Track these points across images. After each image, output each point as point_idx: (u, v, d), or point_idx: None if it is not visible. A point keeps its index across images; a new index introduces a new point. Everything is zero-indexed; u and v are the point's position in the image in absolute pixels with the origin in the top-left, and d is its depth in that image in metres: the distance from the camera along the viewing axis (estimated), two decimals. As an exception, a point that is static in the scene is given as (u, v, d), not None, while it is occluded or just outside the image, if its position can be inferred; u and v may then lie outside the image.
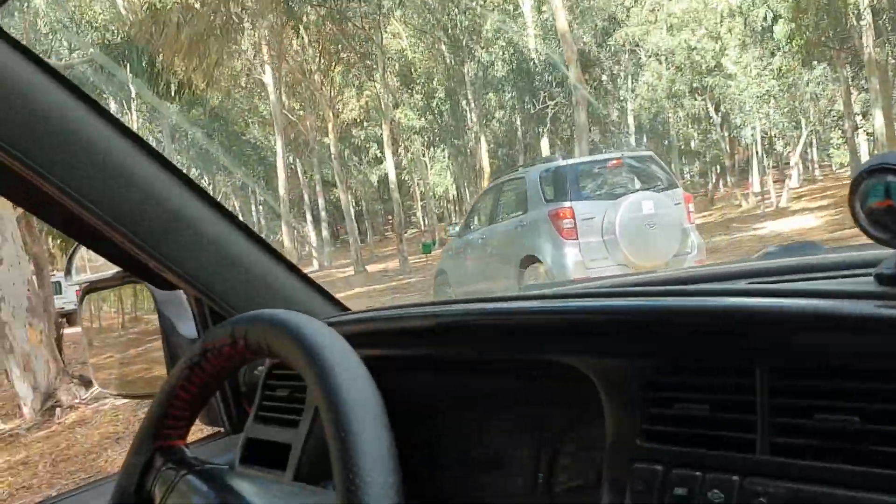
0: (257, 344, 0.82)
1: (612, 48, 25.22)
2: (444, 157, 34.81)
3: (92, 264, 1.69)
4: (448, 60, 26.99)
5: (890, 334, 0.63)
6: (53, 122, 1.00)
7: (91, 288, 1.55)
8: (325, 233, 35.55)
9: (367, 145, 36.22)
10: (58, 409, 7.03)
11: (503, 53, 23.27)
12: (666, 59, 23.95)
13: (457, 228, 10.32)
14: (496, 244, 8.96)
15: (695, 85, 24.37)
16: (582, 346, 0.88)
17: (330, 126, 26.72)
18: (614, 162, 8.34)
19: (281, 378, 1.23)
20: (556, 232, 7.74)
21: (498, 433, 1.07)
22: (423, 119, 30.74)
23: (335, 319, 1.22)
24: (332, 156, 27.33)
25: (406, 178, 43.02)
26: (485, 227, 9.37)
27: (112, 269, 1.34)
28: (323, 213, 34.58)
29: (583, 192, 7.97)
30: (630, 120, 28.36)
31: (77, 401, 7.19)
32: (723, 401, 0.73)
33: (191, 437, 0.99)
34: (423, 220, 45.11)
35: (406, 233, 51.69)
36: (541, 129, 23.02)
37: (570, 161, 8.46)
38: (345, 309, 1.39)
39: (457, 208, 41.35)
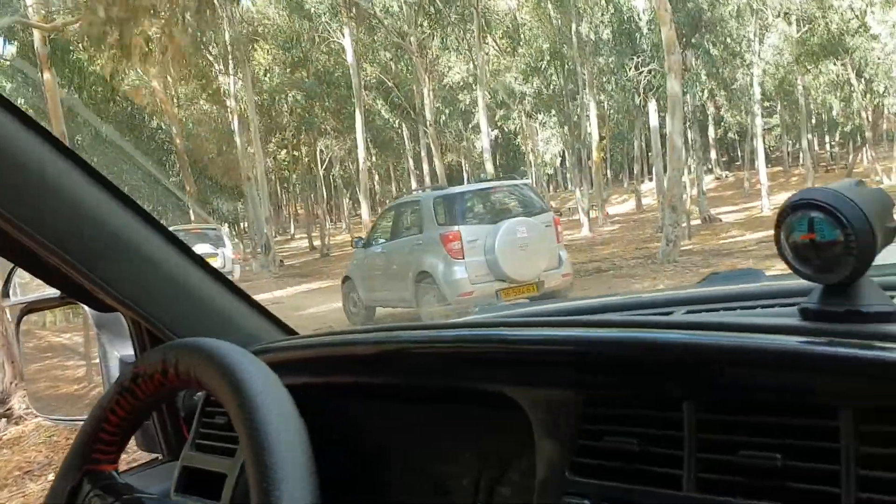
0: (187, 373, 0.81)
1: (736, 7, 22.66)
2: (553, 124, 33.09)
3: (34, 283, 1.57)
4: (555, 21, 25.20)
5: (810, 370, 0.65)
6: None
7: (28, 309, 1.54)
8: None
9: (474, 110, 34.86)
10: (3, 421, 6.33)
11: (602, 14, 21.37)
12: (797, 19, 21.25)
13: (361, 243, 11.21)
14: (395, 259, 9.94)
15: (831, 48, 21.58)
16: (514, 376, 0.89)
17: (425, 91, 25.64)
18: (495, 189, 9.75)
19: (219, 405, 1.12)
20: (446, 252, 8.77)
21: (438, 461, 1.07)
22: (529, 83, 29.09)
23: (268, 346, 1.22)
24: (429, 122, 26.27)
25: (520, 144, 41.81)
26: (387, 242, 10.35)
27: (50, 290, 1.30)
28: (427, 181, 33.77)
29: (468, 217, 9.09)
30: (755, 87, 25.72)
31: (31, 410, 6.46)
32: (651, 435, 0.74)
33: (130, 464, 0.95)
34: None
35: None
36: (645, 97, 20.98)
37: (459, 189, 9.87)
38: (291, 333, 1.38)
39: (565, 177, 39.56)
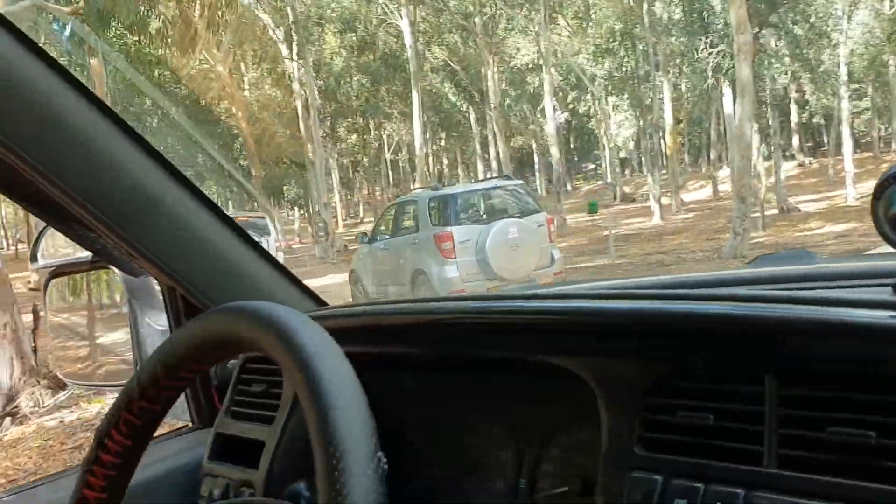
0: (249, 339, 0.79)
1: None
2: (626, 107, 32.04)
3: (62, 249, 1.55)
4: (625, 1, 24.20)
5: None
6: (25, 95, 0.94)
7: (57, 272, 1.51)
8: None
9: (542, 92, 34.10)
10: (7, 420, 6.12)
11: (673, -9, 20.34)
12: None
13: (366, 239, 11.57)
14: (395, 255, 10.27)
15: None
16: (581, 348, 0.87)
17: (489, 73, 25.04)
18: (490, 191, 10.06)
19: (256, 373, 1.19)
20: (439, 252, 9.07)
21: (480, 435, 1.04)
22: (600, 65, 28.13)
23: (316, 314, 1.19)
24: (493, 105, 25.67)
25: (593, 127, 40.83)
26: (388, 239, 10.65)
27: (81, 253, 1.29)
28: (494, 165, 33.21)
29: (462, 218, 9.32)
30: (842, 68, 24.17)
31: (38, 408, 6.23)
32: (729, 410, 0.72)
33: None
34: (608, 173, 42.50)
35: (586, 186, 49.69)
36: (716, 79, 19.83)
37: (453, 190, 10.11)
38: (322, 304, 1.37)
39: (640, 161, 38.35)
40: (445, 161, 48.41)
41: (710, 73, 18.36)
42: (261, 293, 1.25)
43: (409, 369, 1.12)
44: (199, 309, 1.20)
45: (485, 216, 9.59)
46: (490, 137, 32.28)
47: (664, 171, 29.80)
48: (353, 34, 29.42)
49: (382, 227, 11.18)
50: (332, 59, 29.97)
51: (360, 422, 0.62)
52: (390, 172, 42.30)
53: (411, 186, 49.91)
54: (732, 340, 0.74)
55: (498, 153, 28.79)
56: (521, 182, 10.76)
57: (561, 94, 36.30)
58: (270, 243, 18.03)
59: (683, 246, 17.62)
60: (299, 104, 23.46)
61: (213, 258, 1.21)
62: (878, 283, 0.88)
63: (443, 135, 40.74)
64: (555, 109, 37.70)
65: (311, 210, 38.47)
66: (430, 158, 46.35)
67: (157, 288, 1.30)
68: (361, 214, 52.34)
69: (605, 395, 0.81)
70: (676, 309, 0.80)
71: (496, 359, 0.98)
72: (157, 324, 1.32)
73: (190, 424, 1.35)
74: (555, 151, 22.79)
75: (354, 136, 37.00)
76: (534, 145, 38.49)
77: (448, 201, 9.48)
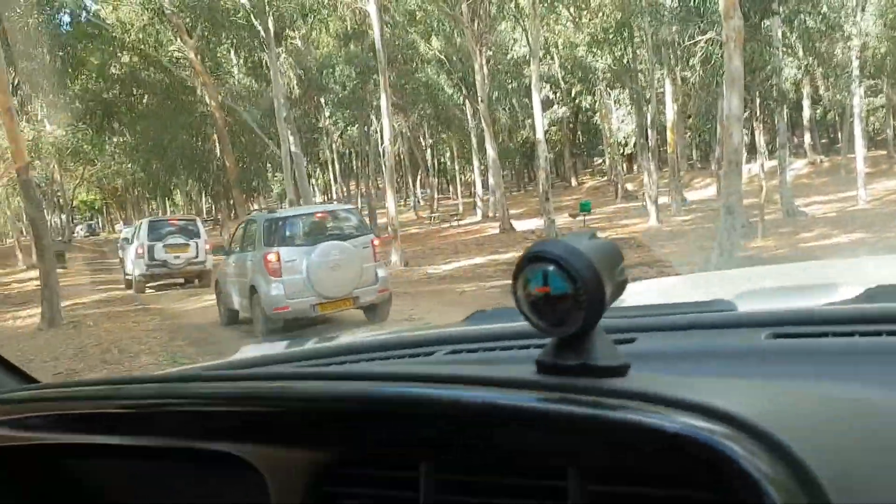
0: None
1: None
2: (627, 101, 30.44)
3: None
4: (622, -13, 22.59)
5: (541, 429, 0.66)
6: None
7: None
8: (491, 181, 32.64)
9: (540, 85, 32.52)
10: None
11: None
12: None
13: (223, 252, 12.30)
14: (239, 271, 10.79)
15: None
16: (245, 435, 0.85)
17: (476, 66, 23.54)
18: (321, 214, 10.98)
19: None
20: (267, 271, 9.56)
21: None
22: (598, 57, 26.54)
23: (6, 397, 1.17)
24: (479, 98, 24.18)
25: (598, 122, 39.28)
26: (237, 254, 11.13)
27: None
28: (490, 161, 31.72)
29: (289, 239, 9.95)
30: (854, 61, 22.53)
31: None
32: (386, 497, 0.74)
33: None
34: (611, 171, 40.92)
35: (590, 182, 48.11)
36: (705, 71, 18.19)
37: (285, 213, 11.11)
38: (29, 381, 1.30)
39: (636, 159, 36.75)
40: (449, 154, 47.04)
41: (697, 65, 16.77)
42: None
43: (111, 456, 1.07)
44: None
45: (311, 238, 10.09)
46: (487, 132, 30.75)
47: (666, 169, 28.38)
48: (343, 22, 28.00)
49: (235, 242, 11.68)
50: (315, 47, 28.60)
51: None
52: (384, 166, 40.92)
53: (409, 179, 48.92)
54: (391, 424, 0.74)
55: (484, 147, 27.30)
56: (351, 207, 12.21)
57: (564, 86, 34.79)
58: (200, 245, 18.42)
59: (672, 256, 16.21)
60: (280, 95, 22.06)
61: None
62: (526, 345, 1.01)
63: (439, 128, 39.26)
64: (554, 104, 36.26)
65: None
66: (429, 151, 45.02)
67: None
68: (359, 207, 51.13)
69: (276, 486, 0.80)
70: (341, 391, 0.79)
71: (179, 448, 0.93)
72: None
73: None
74: (542, 149, 21.27)
75: (356, 128, 35.64)
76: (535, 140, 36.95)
77: (279, 223, 10.19)
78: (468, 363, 1.10)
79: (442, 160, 51.09)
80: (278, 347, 1.77)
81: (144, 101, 27.47)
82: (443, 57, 27.52)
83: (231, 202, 30.54)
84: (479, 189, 33.97)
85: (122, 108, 26.83)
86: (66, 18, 26.81)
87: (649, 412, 0.62)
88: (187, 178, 33.73)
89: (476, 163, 33.24)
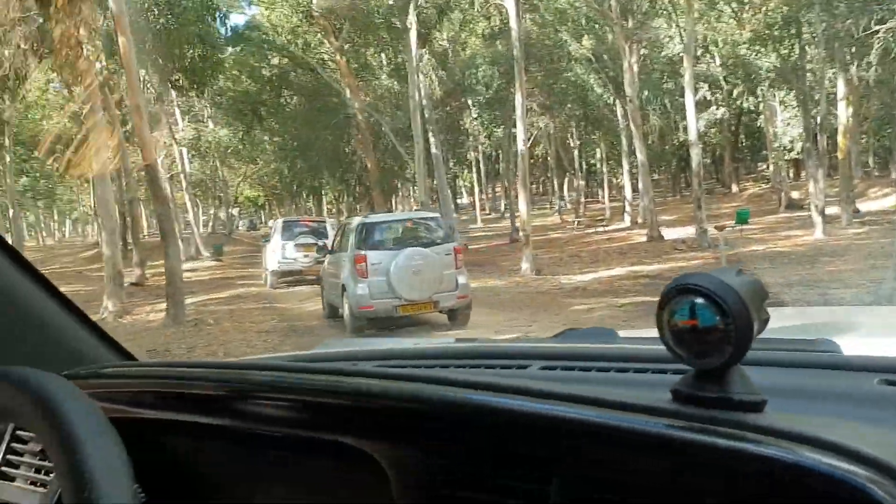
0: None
1: None
2: (794, 103, 28.00)
3: None
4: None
5: (679, 455, 0.68)
6: None
7: None
8: (640, 184, 31.11)
9: (697, 85, 30.56)
10: None
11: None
12: None
13: (325, 252, 13.36)
14: (336, 270, 11.51)
15: None
16: (370, 431, 0.88)
17: (626, 64, 22.29)
18: (409, 222, 11.40)
19: (29, 434, 1.13)
20: (355, 272, 10.17)
21: None
22: (762, 55, 24.50)
23: (101, 371, 1.20)
24: (628, 98, 22.90)
25: (761, 125, 36.64)
26: (335, 254, 11.98)
27: None
28: (639, 164, 30.20)
29: (378, 243, 10.55)
30: None
31: None
32: None
33: None
34: (775, 177, 38.02)
35: (752, 189, 44.98)
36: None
37: (376, 219, 11.44)
38: (128, 357, 1.36)
39: (803, 164, 33.84)
40: (598, 156, 45.55)
41: (875, 59, 14.76)
42: (45, 347, 1.21)
43: (217, 438, 1.09)
44: None
45: (397, 243, 10.67)
46: (638, 133, 29.30)
47: (837, 176, 25.81)
48: (489, 21, 27.56)
49: (335, 243, 12.66)
50: (462, 48, 28.28)
51: (109, 456, 0.61)
52: (526, 167, 40.06)
53: (555, 182, 47.82)
54: (520, 437, 0.76)
55: (634, 150, 25.91)
56: (437, 216, 12.34)
57: (726, 87, 32.64)
58: (327, 245, 18.76)
59: (840, 275, 14.43)
60: (417, 95, 21.88)
61: None
62: (658, 370, 0.97)
63: (589, 129, 38.03)
64: (713, 105, 34.05)
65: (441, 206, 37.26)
66: (577, 153, 43.73)
67: None
68: (502, 210, 50.61)
69: (397, 481, 0.82)
70: (463, 399, 0.81)
71: (297, 437, 0.96)
72: None
73: None
74: (696, 153, 19.82)
75: (502, 129, 35.16)
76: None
77: (371, 227, 10.85)
78: (562, 381, 1.04)
79: (591, 162, 49.57)
80: (365, 344, 1.78)
81: (292, 102, 28.26)
82: (590, 55, 26.33)
83: (371, 203, 30.98)
84: (628, 193, 32.43)
85: (270, 110, 27.71)
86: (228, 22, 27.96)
87: (794, 450, 0.64)
88: (329, 178, 34.50)
89: (625, 165, 31.73)
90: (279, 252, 18.59)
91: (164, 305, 16.16)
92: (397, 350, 1.46)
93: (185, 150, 33.57)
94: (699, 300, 0.67)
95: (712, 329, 0.66)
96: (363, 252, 10.27)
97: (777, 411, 0.74)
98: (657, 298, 0.71)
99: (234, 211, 67.73)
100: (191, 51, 15.13)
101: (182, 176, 32.63)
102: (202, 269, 29.95)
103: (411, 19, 20.88)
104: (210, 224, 51.74)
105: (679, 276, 0.71)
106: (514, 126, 36.55)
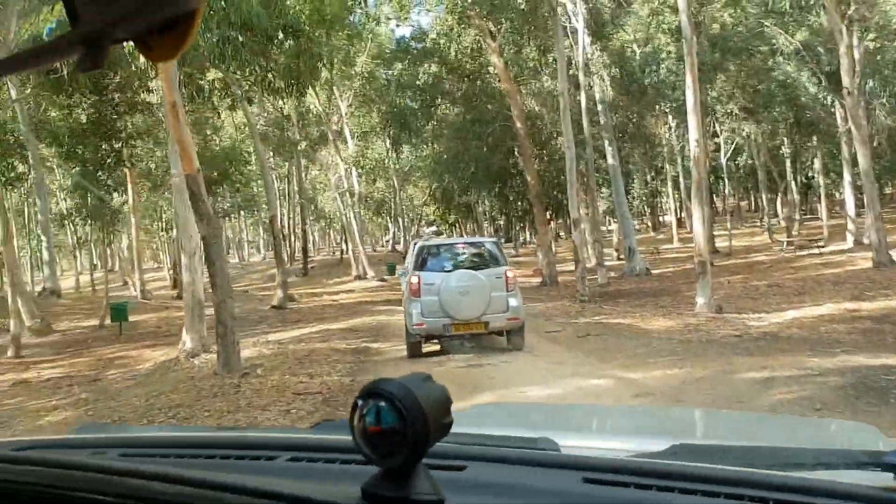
0: None
1: None
2: None
3: None
4: None
5: None
6: None
7: None
8: (865, 197, 25.90)
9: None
10: None
11: None
12: None
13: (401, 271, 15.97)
14: (403, 289, 12.83)
15: None
16: None
17: (843, 48, 17.91)
18: (464, 245, 11.93)
19: None
20: (410, 291, 10.95)
21: None
22: None
23: None
24: (845, 90, 18.43)
25: None
26: (405, 275, 12.75)
27: None
28: (862, 172, 25.04)
29: (431, 265, 11.18)
30: None
31: None
32: None
33: None
34: None
35: None
36: None
37: (433, 241, 12.48)
38: None
39: None
40: (816, 166, 39.63)
41: None
42: None
43: None
44: None
45: (450, 265, 10.97)
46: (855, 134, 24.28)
47: None
48: (675, 15, 23.96)
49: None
50: (644, 43, 24.86)
51: None
52: (725, 179, 35.25)
53: (764, 196, 42.26)
54: None
55: (855, 156, 21.13)
56: (494, 240, 12.42)
57: None
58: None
59: None
60: (583, 99, 18.98)
61: None
62: (345, 460, 1.10)
63: (802, 135, 32.89)
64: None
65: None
66: (790, 162, 38.23)
67: None
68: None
69: None
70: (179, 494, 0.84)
71: None
72: None
73: None
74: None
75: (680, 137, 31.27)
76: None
77: (427, 250, 11.35)
78: (303, 474, 1.10)
79: (809, 174, 43.45)
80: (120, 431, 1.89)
81: (442, 111, 26.33)
82: (798, 45, 21.92)
83: (531, 220, 28.16)
84: (850, 208, 27.11)
85: (420, 121, 25.96)
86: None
87: None
88: (486, 193, 32.13)
89: (847, 176, 26.54)
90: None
91: (271, 337, 14.57)
92: (146, 438, 1.39)
93: (353, 169, 32.90)
94: (382, 404, 0.74)
95: (392, 432, 0.73)
96: (418, 273, 10.85)
97: None
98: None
99: (430, 229, 67.49)
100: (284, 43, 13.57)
101: (348, 194, 31.78)
102: (359, 290, 28.69)
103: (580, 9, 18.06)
104: (389, 242, 51.53)
105: (370, 381, 0.78)
106: (715, 136, 32.47)
